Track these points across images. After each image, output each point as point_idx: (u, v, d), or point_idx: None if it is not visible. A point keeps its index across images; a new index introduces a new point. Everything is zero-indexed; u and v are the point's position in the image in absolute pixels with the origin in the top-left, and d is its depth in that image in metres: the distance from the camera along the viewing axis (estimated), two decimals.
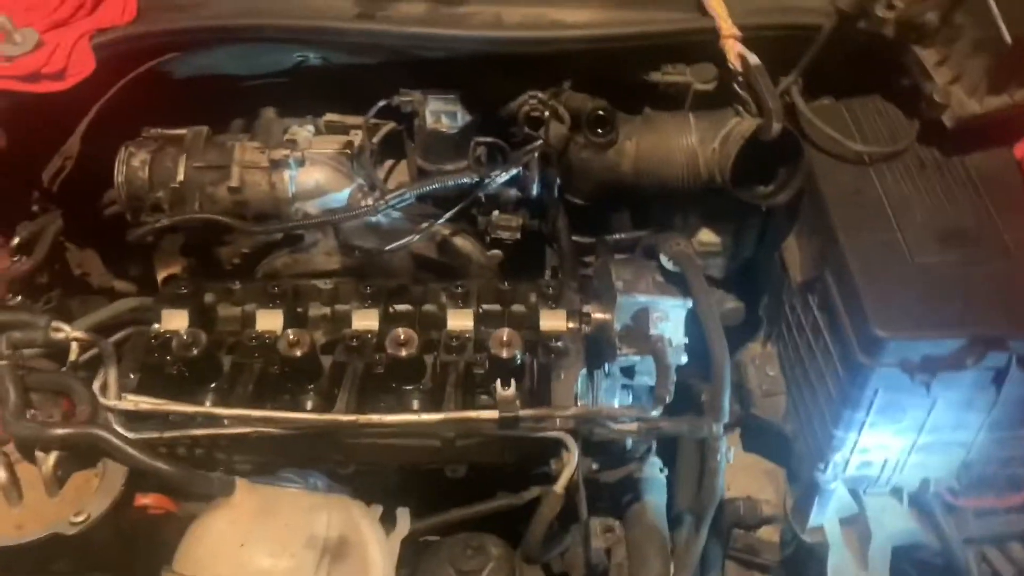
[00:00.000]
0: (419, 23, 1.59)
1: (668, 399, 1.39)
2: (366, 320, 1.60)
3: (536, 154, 1.63)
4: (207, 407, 1.34)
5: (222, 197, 1.62)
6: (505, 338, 1.48)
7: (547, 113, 1.62)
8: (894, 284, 1.36)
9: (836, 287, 1.43)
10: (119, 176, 1.60)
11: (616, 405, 1.57)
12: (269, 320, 1.60)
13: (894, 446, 1.47)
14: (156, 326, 1.59)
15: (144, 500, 1.20)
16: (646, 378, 1.56)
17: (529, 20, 1.61)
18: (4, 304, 1.56)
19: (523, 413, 1.31)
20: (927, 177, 1.52)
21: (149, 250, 1.79)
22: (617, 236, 1.77)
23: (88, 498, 1.16)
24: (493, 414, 1.32)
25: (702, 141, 1.56)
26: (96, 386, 1.30)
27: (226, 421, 1.35)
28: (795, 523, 1.57)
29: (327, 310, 1.65)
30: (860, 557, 1.53)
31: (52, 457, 1.16)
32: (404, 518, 1.38)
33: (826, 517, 1.55)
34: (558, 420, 1.36)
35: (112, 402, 1.29)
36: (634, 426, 1.34)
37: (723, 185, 1.56)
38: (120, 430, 1.29)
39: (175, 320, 1.59)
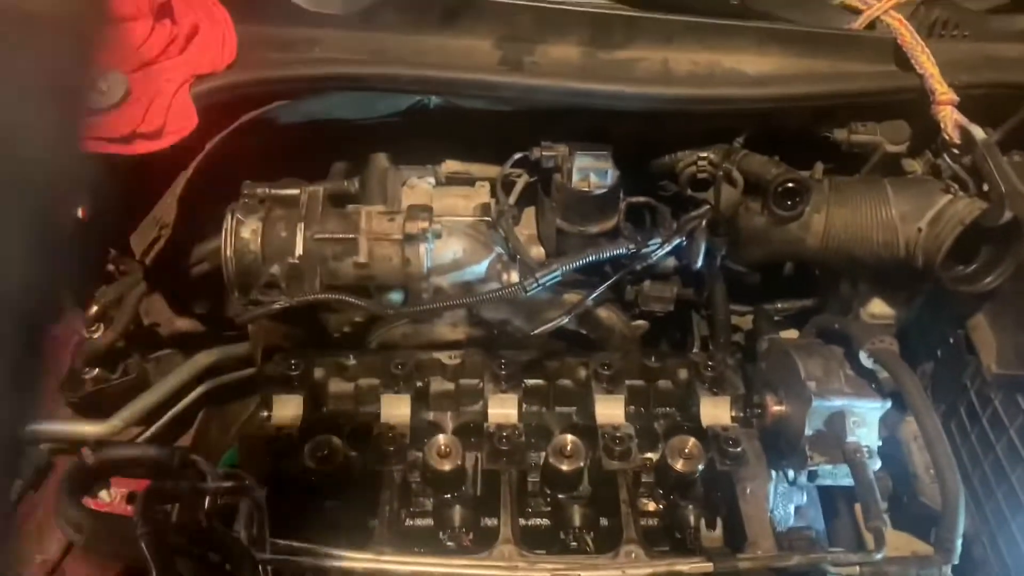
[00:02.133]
0: (577, 75, 1.36)
1: (885, 528, 1.23)
2: (503, 407, 1.42)
3: (703, 222, 1.43)
4: (378, 555, 1.15)
5: (346, 273, 1.40)
6: (688, 450, 1.31)
7: (719, 173, 1.42)
8: None
9: None
10: (227, 249, 1.37)
11: (792, 512, 1.42)
12: (394, 407, 1.42)
13: None
14: (266, 415, 1.40)
15: None
16: (828, 480, 1.40)
17: (701, 70, 1.39)
18: (123, 440, 1.36)
19: (742, 566, 1.15)
20: None
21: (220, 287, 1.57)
22: (779, 305, 1.59)
23: None
24: (707, 567, 1.15)
25: (904, 218, 1.37)
26: (243, 535, 1.11)
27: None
28: None
29: (451, 386, 1.47)
30: None
31: None
32: None
33: None
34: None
35: (269, 556, 1.09)
36: (855, 570, 1.18)
37: (925, 269, 1.37)
38: None
39: (288, 408, 1.40)
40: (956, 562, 1.17)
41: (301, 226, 1.38)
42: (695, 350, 1.63)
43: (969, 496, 1.52)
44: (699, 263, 1.45)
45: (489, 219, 1.42)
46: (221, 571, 1.03)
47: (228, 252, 1.37)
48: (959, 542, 1.17)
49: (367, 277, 1.41)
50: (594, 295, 1.44)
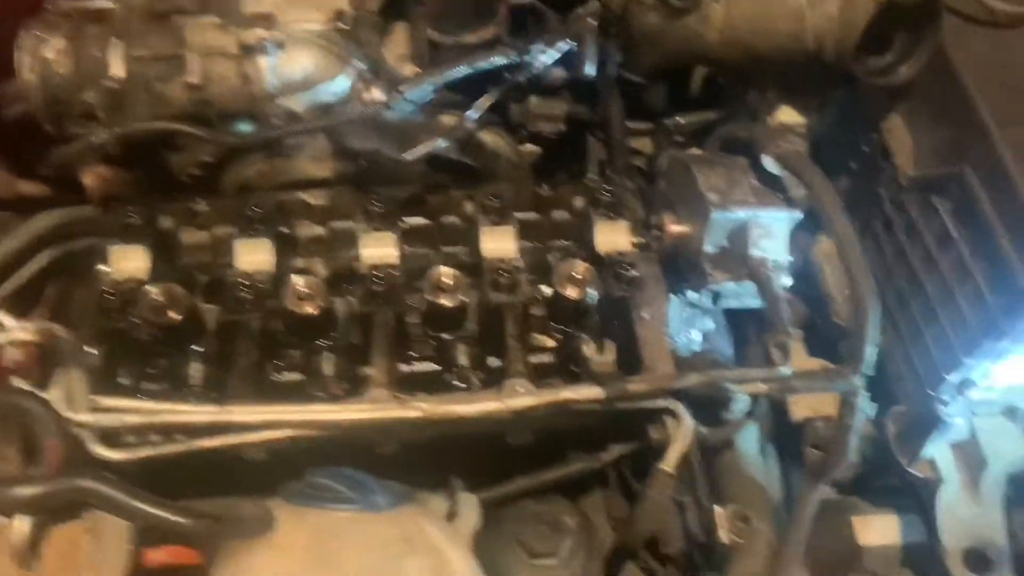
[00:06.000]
0: None
1: (791, 343, 1.13)
2: (380, 247, 1.27)
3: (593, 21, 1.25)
4: (226, 409, 1.00)
5: (177, 97, 1.20)
6: (578, 274, 1.18)
7: None
8: None
9: (986, 193, 1.16)
10: (29, 73, 1.15)
11: (699, 336, 1.31)
12: (253, 252, 1.25)
13: None
14: (105, 269, 1.22)
15: (157, 556, 0.89)
16: (733, 300, 1.29)
17: None
18: None
19: (633, 388, 1.03)
20: None
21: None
22: (679, 120, 1.44)
23: (81, 567, 0.83)
24: (595, 392, 1.03)
25: (813, 5, 1.21)
26: (56, 395, 0.95)
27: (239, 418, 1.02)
28: (900, 456, 1.37)
29: (321, 230, 1.31)
30: (971, 488, 1.36)
31: (24, 523, 0.83)
32: (471, 508, 1.11)
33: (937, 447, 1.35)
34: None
35: (85, 417, 0.94)
36: (762, 386, 1.08)
37: (836, 60, 1.22)
38: (101, 450, 0.95)
39: (130, 259, 1.22)
40: (868, 372, 1.08)
41: (118, 42, 1.16)
42: (590, 176, 1.49)
43: (885, 313, 1.43)
44: (590, 71, 1.28)
45: (343, 25, 1.21)
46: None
47: (30, 76, 1.15)
48: (870, 350, 1.07)
49: (203, 102, 1.21)
50: (471, 113, 1.27)
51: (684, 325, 1.30)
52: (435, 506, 1.08)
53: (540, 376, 1.17)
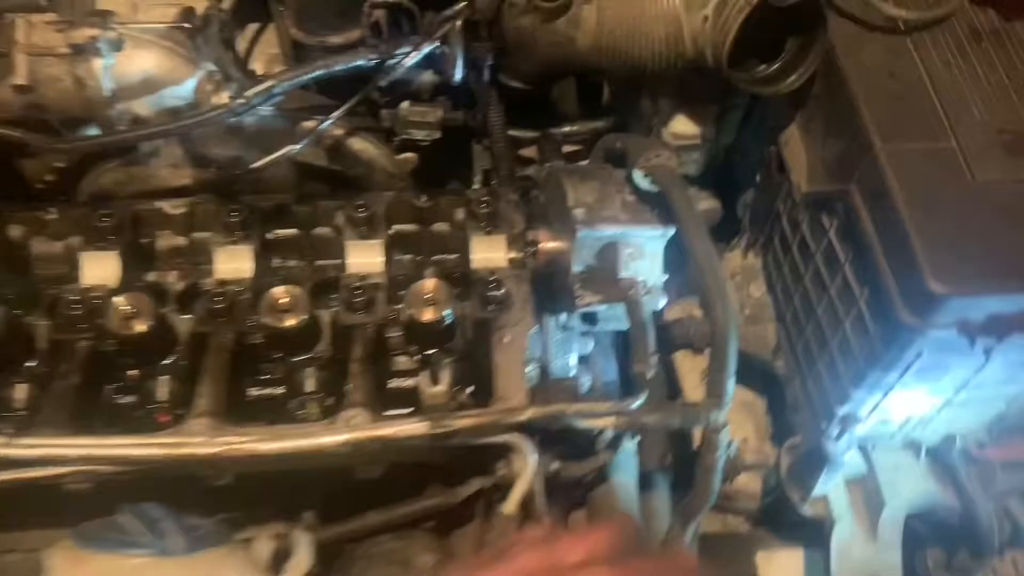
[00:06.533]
0: None
1: (649, 374, 1.04)
2: (234, 261, 1.19)
3: (459, 22, 1.17)
4: (11, 441, 0.92)
5: (8, 100, 1.12)
6: (429, 294, 1.09)
7: None
8: (951, 215, 1.01)
9: (869, 214, 1.07)
10: None
11: (574, 361, 1.23)
12: (98, 266, 1.17)
13: (923, 404, 1.18)
14: None
15: None
16: (612, 323, 1.21)
17: None
18: None
19: (461, 424, 0.95)
20: (984, 54, 1.13)
21: None
22: (566, 129, 1.35)
23: None
24: (419, 427, 0.95)
25: (689, 6, 1.12)
26: None
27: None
28: (792, 492, 1.29)
29: (182, 241, 1.23)
30: (868, 525, 1.28)
31: None
32: (304, 548, 1.02)
33: (831, 483, 1.27)
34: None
35: None
36: (611, 420, 0.99)
37: (715, 67, 1.14)
38: None
39: None
40: (726, 407, 0.99)
41: None
42: (475, 187, 1.40)
43: (783, 336, 1.35)
44: (457, 75, 1.20)
45: (188, 24, 1.13)
46: None
47: None
48: (730, 384, 0.99)
49: (35, 106, 1.13)
50: (330, 119, 1.18)
51: (559, 349, 1.21)
52: (261, 547, 1.00)
53: (396, 405, 1.09)
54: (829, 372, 1.21)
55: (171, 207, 1.24)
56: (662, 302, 1.16)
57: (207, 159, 1.25)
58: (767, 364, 1.38)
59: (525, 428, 1.00)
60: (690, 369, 1.55)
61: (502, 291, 1.14)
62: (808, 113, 1.23)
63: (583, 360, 1.25)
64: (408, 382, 1.14)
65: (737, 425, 1.48)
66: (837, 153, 1.15)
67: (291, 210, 1.25)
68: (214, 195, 1.26)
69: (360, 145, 1.28)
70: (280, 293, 1.09)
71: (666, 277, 1.16)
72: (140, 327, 1.07)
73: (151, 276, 1.21)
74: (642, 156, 1.10)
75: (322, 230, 1.25)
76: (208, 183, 1.28)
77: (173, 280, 1.21)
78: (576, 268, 1.13)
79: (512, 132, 1.34)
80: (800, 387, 1.30)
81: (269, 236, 1.23)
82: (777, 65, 1.18)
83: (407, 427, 0.95)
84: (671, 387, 1.52)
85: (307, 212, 1.26)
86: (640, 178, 1.10)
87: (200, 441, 0.96)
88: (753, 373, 1.44)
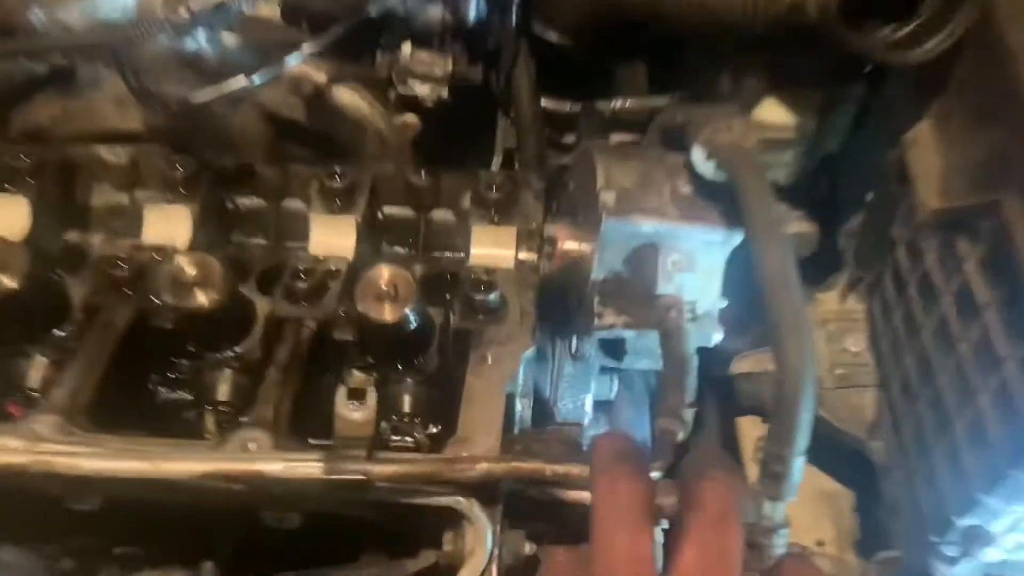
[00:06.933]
0: None
1: (680, 434, 0.71)
2: (166, 223, 0.94)
3: None
4: None
5: None
6: (384, 283, 0.79)
7: None
8: None
9: None
10: None
11: (589, 405, 0.90)
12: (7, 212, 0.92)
13: None
14: None
15: None
16: (645, 359, 0.88)
17: None
18: None
19: (377, 471, 0.63)
20: None
21: None
22: (617, 103, 1.04)
23: None
24: (310, 469, 0.64)
25: None
26: None
27: None
28: None
29: (124, 198, 0.97)
30: None
31: None
32: None
33: None
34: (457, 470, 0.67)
35: None
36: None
37: (822, 25, 0.81)
38: None
39: None
40: (789, 497, 0.65)
41: None
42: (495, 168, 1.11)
43: (886, 408, 0.99)
44: (471, 14, 0.91)
45: None
46: None
47: None
48: (797, 465, 0.65)
49: None
50: (301, 52, 0.91)
51: (569, 385, 0.89)
52: None
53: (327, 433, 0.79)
54: (950, 465, 0.84)
55: (110, 154, 0.99)
56: (716, 336, 0.83)
57: (154, 97, 0.99)
58: (860, 444, 1.02)
59: (484, 489, 0.68)
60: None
61: (495, 296, 0.83)
62: (947, 102, 0.89)
63: (603, 406, 0.93)
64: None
65: (810, 524, 1.12)
66: (987, 155, 0.81)
67: (254, 172, 0.99)
68: (168, 145, 1.00)
69: (348, 97, 1.01)
70: (185, 262, 0.80)
71: (725, 303, 0.83)
72: (11, 286, 0.81)
73: (72, 235, 0.96)
74: (706, 128, 0.77)
75: (291, 201, 0.99)
76: (160, 130, 1.03)
77: (98, 243, 0.96)
78: (598, 275, 0.81)
79: (545, 102, 1.03)
80: (904, 481, 0.94)
81: (218, 201, 0.97)
82: (911, 27, 0.84)
83: (296, 466, 0.64)
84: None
85: (274, 177, 0.99)
86: (701, 158, 0.78)
87: (17, 446, 0.67)
88: (839, 455, 1.09)
